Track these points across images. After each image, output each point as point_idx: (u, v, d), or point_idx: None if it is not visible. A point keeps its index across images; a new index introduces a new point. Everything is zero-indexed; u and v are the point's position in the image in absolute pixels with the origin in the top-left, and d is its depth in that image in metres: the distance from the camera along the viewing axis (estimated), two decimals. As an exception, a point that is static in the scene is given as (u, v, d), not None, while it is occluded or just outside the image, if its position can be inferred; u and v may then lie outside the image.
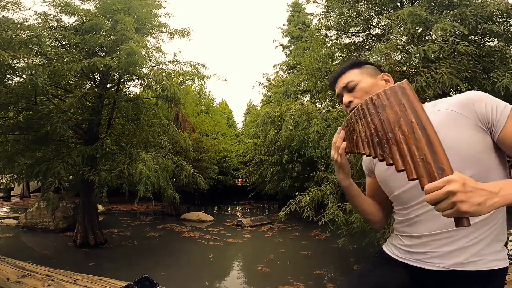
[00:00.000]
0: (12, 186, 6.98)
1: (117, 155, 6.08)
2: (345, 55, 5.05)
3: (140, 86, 7.02)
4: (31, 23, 4.98)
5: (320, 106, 7.88)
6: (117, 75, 6.26)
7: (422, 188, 0.58)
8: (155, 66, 6.87)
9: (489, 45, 3.36)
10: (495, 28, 3.02)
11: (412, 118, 0.61)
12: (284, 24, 15.79)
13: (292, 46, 14.96)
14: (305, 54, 6.79)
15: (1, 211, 11.32)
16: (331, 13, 4.86)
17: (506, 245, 0.87)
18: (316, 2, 5.25)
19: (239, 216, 11.63)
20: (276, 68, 15.85)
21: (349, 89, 0.94)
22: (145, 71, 6.49)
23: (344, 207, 3.66)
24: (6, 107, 5.10)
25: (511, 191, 0.59)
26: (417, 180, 0.59)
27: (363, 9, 4.45)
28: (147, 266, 5.07)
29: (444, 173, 0.56)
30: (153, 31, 7.18)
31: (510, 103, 0.76)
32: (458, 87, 2.96)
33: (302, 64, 6.78)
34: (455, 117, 0.77)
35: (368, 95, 0.75)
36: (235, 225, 9.39)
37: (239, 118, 30.20)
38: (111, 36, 5.80)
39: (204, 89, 15.30)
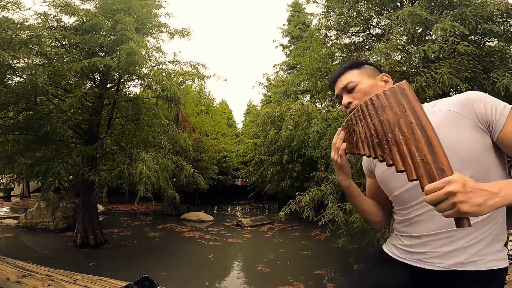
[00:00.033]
0: (12, 186, 6.98)
1: (117, 155, 6.08)
2: (345, 55, 5.04)
3: (140, 86, 7.03)
4: (31, 23, 4.98)
5: (320, 106, 7.88)
6: (117, 75, 6.26)
7: (423, 189, 0.58)
8: (155, 66, 6.87)
9: (489, 45, 3.36)
10: (495, 28, 3.02)
11: (412, 118, 0.61)
12: (284, 24, 15.80)
13: (292, 46, 14.96)
14: (305, 54, 6.78)
15: (1, 211, 11.32)
16: (331, 13, 4.86)
17: (506, 245, 0.87)
18: (316, 2, 5.25)
19: (239, 216, 11.63)
20: (276, 68, 15.86)
21: (349, 90, 0.94)
22: (145, 71, 6.49)
23: (344, 207, 3.66)
24: (6, 107, 5.10)
25: (510, 191, 0.59)
26: (417, 181, 0.59)
27: (363, 9, 4.45)
28: (147, 266, 5.07)
29: (444, 174, 0.56)
30: (153, 31, 7.18)
31: (510, 103, 0.76)
32: (458, 87, 2.96)
33: (302, 64, 6.78)
34: (455, 118, 0.77)
35: (368, 96, 0.75)
36: (235, 225, 9.39)
37: (239, 118, 30.24)
38: (111, 36, 5.80)
39: (204, 89, 15.33)
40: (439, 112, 0.81)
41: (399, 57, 4.02)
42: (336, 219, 3.50)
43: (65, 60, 5.49)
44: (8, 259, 2.78)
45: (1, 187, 7.16)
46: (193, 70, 7.02)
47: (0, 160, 5.41)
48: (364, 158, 1.05)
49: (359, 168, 3.32)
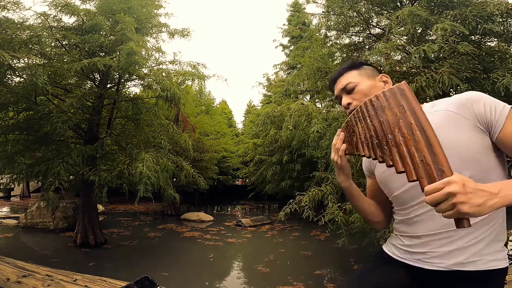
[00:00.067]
0: (12, 186, 6.98)
1: (117, 155, 6.08)
2: (345, 55, 5.04)
3: (140, 86, 7.03)
4: (31, 23, 4.99)
5: (320, 106, 7.88)
6: (117, 75, 6.26)
7: (422, 190, 0.58)
8: (155, 66, 6.87)
9: (489, 45, 3.36)
10: (495, 28, 3.02)
11: (411, 119, 0.61)
12: (284, 24, 15.80)
13: (292, 46, 14.96)
14: (305, 54, 6.78)
15: (1, 211, 11.32)
16: (331, 13, 4.85)
17: (506, 245, 0.87)
18: (316, 2, 5.25)
19: (239, 216, 11.63)
20: (276, 68, 15.86)
21: (348, 90, 0.94)
22: (145, 71, 6.49)
23: (344, 207, 3.66)
24: (6, 107, 5.10)
25: (510, 191, 0.59)
26: (417, 181, 0.60)
27: (363, 9, 4.44)
28: (147, 266, 5.07)
29: (443, 175, 0.56)
30: (153, 31, 7.18)
31: (510, 103, 0.76)
32: (458, 87, 2.95)
33: (302, 64, 6.78)
34: (454, 118, 0.77)
35: (367, 97, 0.76)
36: (235, 225, 9.39)
37: (239, 118, 30.24)
38: (111, 36, 5.80)
39: (204, 89, 15.33)
40: (439, 112, 0.81)
41: (399, 57, 4.01)
42: (336, 219, 3.50)
43: (65, 60, 5.49)
44: (8, 259, 2.78)
45: (1, 187, 7.16)
46: (193, 70, 7.02)
47: (0, 160, 5.41)
48: (364, 158, 1.05)
49: (359, 168, 3.32)
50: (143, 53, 5.87)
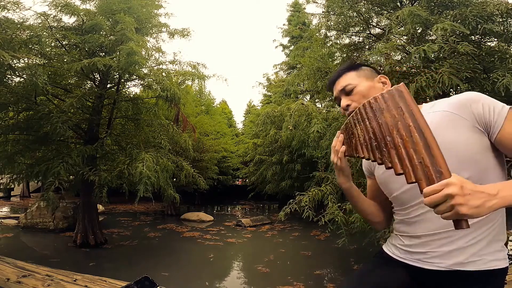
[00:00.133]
0: (12, 186, 6.98)
1: (117, 155, 6.08)
2: (345, 55, 5.04)
3: (140, 86, 7.03)
4: (31, 23, 4.99)
5: (320, 106, 7.88)
6: (117, 75, 6.26)
7: (421, 191, 0.58)
8: (155, 66, 6.87)
9: (489, 45, 3.36)
10: (495, 28, 3.02)
11: (410, 121, 0.62)
12: (284, 24, 15.81)
13: (292, 46, 14.96)
14: (305, 54, 6.78)
15: (1, 211, 11.33)
16: (331, 13, 4.85)
17: (506, 245, 0.87)
18: (316, 2, 5.25)
19: (239, 216, 11.63)
20: (276, 68, 15.87)
21: (347, 92, 0.95)
22: (145, 71, 6.49)
23: (344, 207, 3.66)
24: (6, 107, 5.10)
25: (509, 192, 0.59)
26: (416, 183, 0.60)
27: (363, 9, 4.44)
28: (147, 266, 5.07)
29: (442, 176, 0.57)
30: (153, 31, 7.18)
31: (510, 104, 0.76)
32: (458, 87, 2.95)
33: (302, 64, 6.78)
34: (453, 118, 0.77)
35: (366, 99, 0.76)
36: (235, 225, 9.39)
37: (239, 118, 30.25)
38: (111, 36, 5.80)
39: (204, 89, 15.33)
40: (438, 113, 0.81)
41: (399, 57, 4.01)
42: (336, 219, 3.50)
43: (65, 60, 5.49)
44: (8, 259, 2.78)
45: (1, 187, 7.16)
46: (193, 70, 7.02)
47: (0, 160, 5.41)
48: (364, 160, 1.06)
49: (359, 168, 3.32)
50: (143, 53, 5.87)
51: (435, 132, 0.61)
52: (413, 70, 3.48)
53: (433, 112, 0.82)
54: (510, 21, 3.23)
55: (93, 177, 5.15)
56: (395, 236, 0.95)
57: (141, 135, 6.76)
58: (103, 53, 6.06)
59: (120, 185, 5.48)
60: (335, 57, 5.18)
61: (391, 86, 0.76)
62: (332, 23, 4.77)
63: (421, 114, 0.62)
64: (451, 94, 3.33)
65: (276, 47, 15.85)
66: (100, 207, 10.44)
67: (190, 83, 8.47)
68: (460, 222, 0.56)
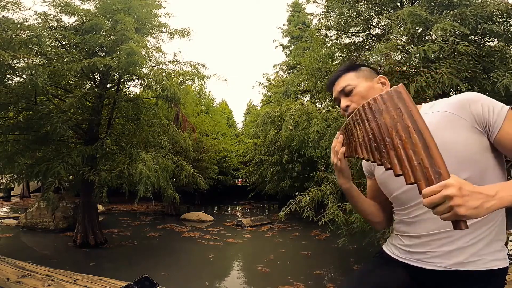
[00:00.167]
0: (12, 186, 6.98)
1: (117, 155, 6.08)
2: (345, 55, 5.04)
3: (140, 86, 7.03)
4: (31, 23, 4.99)
5: (320, 106, 7.88)
6: (117, 75, 6.26)
7: (420, 192, 0.59)
8: (155, 66, 6.87)
9: (489, 45, 3.36)
10: (495, 28, 3.02)
11: (409, 122, 0.62)
12: (284, 24, 15.81)
13: (292, 46, 14.96)
14: (305, 54, 6.78)
15: (1, 211, 11.33)
16: (331, 13, 4.85)
17: (506, 244, 0.87)
18: (316, 2, 5.25)
19: (239, 216, 11.63)
20: (276, 68, 15.87)
21: (346, 93, 0.95)
22: (145, 71, 6.49)
23: (344, 207, 3.66)
24: (6, 107, 5.10)
25: (507, 193, 0.59)
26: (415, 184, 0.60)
27: (363, 9, 4.44)
28: (147, 266, 5.07)
29: (441, 177, 0.57)
30: (153, 31, 7.18)
31: (510, 103, 0.76)
32: (458, 87, 2.96)
33: (302, 64, 6.78)
34: (452, 119, 0.77)
35: (365, 99, 0.76)
36: (235, 225, 9.39)
37: (239, 118, 30.24)
38: (111, 36, 5.80)
39: (204, 89, 15.33)
40: (437, 113, 0.81)
41: (399, 57, 4.01)
42: (336, 219, 3.50)
43: (65, 60, 5.49)
44: (8, 259, 2.78)
45: (1, 187, 7.16)
46: (193, 70, 7.02)
47: (0, 160, 5.41)
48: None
49: (359, 168, 3.32)
50: (143, 53, 5.88)
51: (434, 132, 0.61)
52: (413, 70, 3.48)
53: (432, 112, 0.82)
54: (510, 21, 3.23)
55: (93, 177, 5.15)
56: (395, 236, 0.95)
57: (141, 135, 6.76)
58: (103, 53, 6.06)
59: (120, 185, 5.48)
60: (335, 57, 5.18)
61: (391, 87, 0.76)
62: (332, 23, 4.77)
63: (420, 115, 0.62)
64: (451, 94, 3.33)
65: (276, 47, 15.87)
66: (100, 207, 10.44)
67: (190, 83, 8.48)
68: (458, 222, 0.56)
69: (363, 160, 1.07)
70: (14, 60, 4.13)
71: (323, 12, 5.09)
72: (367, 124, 0.72)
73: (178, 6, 13.28)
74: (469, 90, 2.97)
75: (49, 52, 5.31)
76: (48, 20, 5.35)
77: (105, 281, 2.36)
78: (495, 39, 3.40)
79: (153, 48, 6.80)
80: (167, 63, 6.90)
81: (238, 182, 21.26)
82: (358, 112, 0.76)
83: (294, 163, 10.60)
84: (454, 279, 0.79)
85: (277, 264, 5.61)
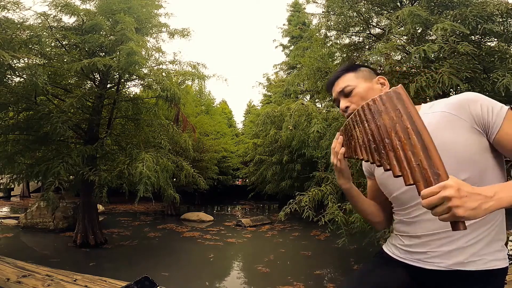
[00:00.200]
0: (12, 186, 6.98)
1: (117, 155, 6.08)
2: (345, 55, 5.04)
3: (140, 86, 7.03)
4: (31, 23, 4.99)
5: (320, 106, 7.88)
6: (117, 75, 6.26)
7: (419, 193, 0.59)
8: (155, 66, 6.87)
9: (489, 45, 3.36)
10: (495, 28, 3.02)
11: (408, 124, 0.62)
12: (284, 24, 15.81)
13: (292, 46, 14.97)
14: (305, 54, 6.78)
15: (1, 211, 11.33)
16: (331, 13, 4.85)
17: (506, 244, 0.87)
18: (316, 2, 5.25)
19: (239, 216, 11.63)
20: (276, 68, 15.87)
21: (346, 94, 0.95)
22: (145, 71, 6.49)
23: (344, 207, 3.66)
24: (6, 107, 5.10)
25: (506, 194, 0.59)
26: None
27: (363, 9, 4.44)
28: (147, 266, 5.07)
29: (439, 178, 0.57)
30: (153, 31, 7.18)
31: (510, 103, 0.76)
32: (458, 87, 2.96)
33: (302, 64, 6.78)
34: (451, 119, 0.77)
35: (364, 100, 0.76)
36: (235, 225, 9.39)
37: (239, 118, 30.24)
38: (111, 36, 5.80)
39: (204, 89, 15.33)
40: (436, 113, 0.81)
41: (399, 57, 4.01)
42: (336, 219, 3.50)
43: (65, 60, 5.49)
44: (8, 259, 2.78)
45: (1, 187, 7.16)
46: (193, 70, 7.02)
47: (0, 160, 5.41)
48: None
49: (359, 168, 3.32)
50: (143, 53, 5.87)
51: (434, 133, 0.61)
52: (413, 70, 3.48)
53: (432, 112, 0.82)
54: (510, 21, 3.23)
55: (93, 177, 5.15)
56: (395, 236, 0.95)
57: (141, 135, 6.76)
58: (103, 53, 6.06)
59: (120, 185, 5.48)
60: (335, 57, 5.18)
61: (391, 87, 0.76)
62: (332, 23, 4.77)
63: (419, 116, 0.62)
64: (451, 94, 3.33)
65: (276, 47, 15.87)
66: (100, 207, 10.44)
67: (190, 83, 8.48)
68: (457, 223, 0.57)
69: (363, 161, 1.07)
70: (14, 60, 4.13)
71: (323, 12, 5.10)
72: (366, 125, 0.72)
73: (178, 6, 13.29)
74: (469, 90, 2.97)
75: (49, 52, 5.31)
76: (48, 20, 5.35)
77: (105, 281, 2.36)
78: (495, 39, 3.40)
79: (153, 48, 6.80)
80: (167, 63, 6.91)
81: (238, 182, 21.26)
82: (357, 113, 0.76)
83: (294, 163, 10.60)
84: (454, 279, 0.79)
85: (277, 264, 5.61)
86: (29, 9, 5.01)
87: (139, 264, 5.30)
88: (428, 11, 3.34)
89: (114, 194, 8.63)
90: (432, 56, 3.01)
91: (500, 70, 2.76)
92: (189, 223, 9.90)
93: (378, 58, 3.86)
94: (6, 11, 4.68)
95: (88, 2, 6.36)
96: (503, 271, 0.79)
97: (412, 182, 0.60)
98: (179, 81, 7.37)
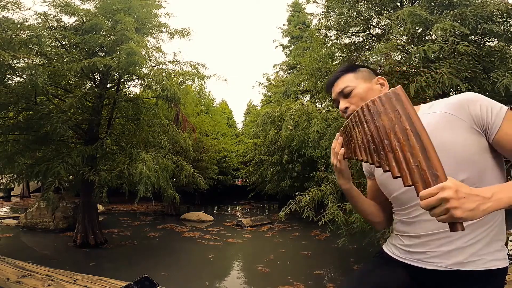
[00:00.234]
0: (12, 186, 6.98)
1: (117, 155, 6.08)
2: (345, 55, 5.04)
3: (140, 86, 7.03)
4: (31, 23, 4.99)
5: (320, 106, 7.89)
6: (117, 75, 6.26)
7: (418, 194, 0.59)
8: (155, 66, 6.87)
9: (489, 45, 3.36)
10: (495, 28, 3.02)
11: (407, 125, 0.63)
12: (284, 24, 15.81)
13: (292, 46, 14.97)
14: (305, 54, 6.78)
15: (1, 211, 11.33)
16: (331, 13, 4.85)
17: (506, 244, 0.87)
18: (316, 2, 5.25)
19: (239, 216, 11.63)
20: (276, 68, 15.87)
21: (345, 94, 0.95)
22: (145, 71, 6.49)
23: (344, 207, 3.66)
24: (6, 107, 5.10)
25: (504, 195, 0.59)
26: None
27: (363, 9, 4.44)
28: (147, 266, 5.07)
29: (438, 180, 0.57)
30: (153, 31, 7.18)
31: (510, 103, 0.76)
32: (458, 87, 2.96)
33: (302, 64, 6.78)
34: (450, 120, 0.77)
35: (364, 101, 0.77)
36: (235, 225, 9.39)
37: (239, 118, 30.24)
38: (111, 36, 5.80)
39: (204, 89, 15.33)
40: (435, 113, 0.81)
41: (399, 57, 4.01)
42: (336, 219, 3.50)
43: (65, 60, 5.49)
44: (8, 259, 2.78)
45: (1, 187, 7.16)
46: (193, 70, 7.02)
47: (0, 160, 5.41)
48: None
49: (359, 168, 3.32)
50: (143, 53, 5.87)
51: (433, 133, 0.61)
52: (413, 70, 3.49)
53: (431, 113, 0.83)
54: (510, 21, 3.23)
55: (93, 177, 5.15)
56: (395, 236, 0.95)
57: (141, 135, 6.76)
58: (103, 53, 6.06)
59: (120, 185, 5.48)
60: (335, 57, 5.18)
61: (390, 87, 0.77)
62: (332, 23, 4.77)
63: (417, 117, 0.63)
64: (451, 94, 3.33)
65: (276, 47, 15.87)
66: (100, 207, 10.44)
67: (190, 83, 8.48)
68: (455, 224, 0.57)
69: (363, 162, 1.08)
70: (14, 60, 4.13)
71: (323, 12, 5.10)
72: (365, 126, 0.72)
73: (178, 6, 13.29)
74: (469, 90, 2.97)
75: (49, 52, 5.31)
76: (48, 20, 5.35)
77: (105, 281, 2.36)
78: (495, 39, 3.40)
79: (153, 48, 6.80)
80: (167, 63, 6.91)
81: (238, 182, 21.26)
82: (357, 114, 0.77)
83: (294, 163, 10.60)
84: (454, 279, 0.79)
85: (277, 264, 5.61)
86: (29, 9, 5.01)
87: (139, 264, 5.30)
88: (428, 11, 3.34)
89: (114, 194, 8.63)
90: (432, 56, 3.01)
91: (500, 70, 2.76)
92: (189, 223, 9.90)
93: (378, 58, 3.86)
94: (6, 11, 4.68)
95: (88, 2, 6.36)
96: (503, 271, 0.79)
97: (410, 183, 0.60)
98: (179, 81, 7.37)
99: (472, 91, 0.80)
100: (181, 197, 6.73)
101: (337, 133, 0.90)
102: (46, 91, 5.27)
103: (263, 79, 16.31)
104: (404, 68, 3.58)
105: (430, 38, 3.50)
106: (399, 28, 3.45)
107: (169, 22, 14.12)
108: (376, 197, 1.03)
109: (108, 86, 6.52)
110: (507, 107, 0.74)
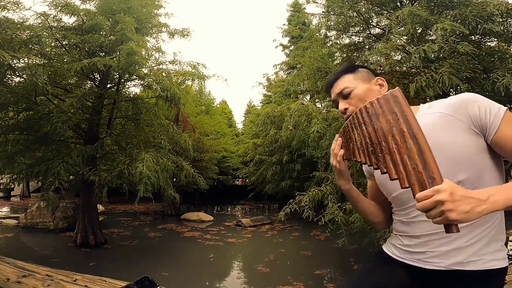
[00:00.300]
0: (12, 186, 6.98)
1: (117, 155, 6.08)
2: (345, 55, 5.04)
3: (140, 86, 7.03)
4: (31, 23, 4.99)
5: (320, 106, 7.88)
6: (117, 75, 6.26)
7: (414, 196, 0.60)
8: (155, 66, 6.87)
9: (489, 45, 3.36)
10: (495, 28, 3.02)
11: (404, 127, 0.63)
12: (284, 24, 15.80)
13: (292, 46, 14.97)
14: (305, 54, 6.78)
15: (1, 211, 11.33)
16: (331, 13, 4.85)
17: (505, 244, 0.87)
18: (316, 2, 5.25)
19: (239, 216, 11.63)
20: (276, 68, 15.87)
21: (344, 95, 0.95)
22: (145, 71, 6.49)
23: (344, 207, 3.66)
24: (6, 107, 5.10)
25: (499, 197, 0.60)
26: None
27: (363, 9, 4.44)
28: (147, 266, 5.07)
29: (434, 182, 0.58)
30: (153, 31, 7.18)
31: (510, 103, 0.76)
32: (458, 87, 2.96)
33: (302, 64, 6.78)
34: (449, 120, 0.77)
35: (363, 102, 0.77)
36: (235, 225, 9.39)
37: (239, 118, 30.24)
38: (111, 36, 5.80)
39: (204, 89, 15.33)
40: (434, 114, 0.81)
41: (399, 57, 4.01)
42: (336, 219, 3.50)
43: (65, 60, 5.49)
44: (8, 259, 2.78)
45: (1, 187, 7.16)
46: (193, 70, 7.02)
47: (0, 160, 5.41)
48: None
49: (359, 168, 3.31)
50: (143, 53, 5.88)
51: (431, 134, 0.62)
52: (413, 70, 3.49)
53: (430, 113, 0.83)
54: (510, 21, 3.23)
55: (93, 177, 5.15)
56: (394, 236, 0.96)
57: (141, 135, 6.76)
58: (103, 53, 6.06)
59: (120, 185, 5.48)
60: (335, 57, 5.18)
61: (390, 87, 0.77)
62: (332, 23, 4.77)
63: (415, 120, 0.63)
64: (451, 94, 3.33)
65: (276, 47, 15.87)
66: (100, 207, 10.44)
67: (190, 83, 8.48)
68: (450, 226, 0.58)
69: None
70: (14, 60, 4.13)
71: (323, 12, 5.09)
72: (364, 128, 0.73)
73: (178, 6, 13.29)
74: (469, 90, 2.97)
75: (49, 52, 5.31)
76: (48, 20, 5.35)
77: (105, 281, 2.36)
78: (495, 39, 3.40)
79: (153, 48, 6.80)
80: (167, 63, 6.91)
81: (238, 182, 21.26)
82: (355, 116, 0.77)
83: (294, 163, 10.60)
84: (454, 279, 0.79)
85: (277, 264, 5.61)
86: (29, 9, 5.01)
87: (139, 264, 5.30)
88: (428, 11, 3.34)
89: (114, 194, 8.63)
90: (432, 56, 3.02)
91: (500, 70, 2.76)
92: (189, 223, 9.90)
93: (378, 58, 3.85)
94: (6, 11, 4.68)
95: (88, 2, 6.36)
96: (503, 271, 0.79)
97: (407, 185, 0.61)
98: (179, 81, 7.37)
99: (472, 91, 0.80)
100: (181, 197, 6.74)
101: (337, 135, 0.91)
102: (46, 91, 5.27)
103: (263, 79, 16.33)
104: (404, 68, 3.58)
105: (430, 38, 3.50)
106: (399, 28, 3.45)
107: (169, 22, 14.13)
108: (376, 197, 1.03)
109: (108, 86, 6.52)
110: (505, 108, 0.74)
